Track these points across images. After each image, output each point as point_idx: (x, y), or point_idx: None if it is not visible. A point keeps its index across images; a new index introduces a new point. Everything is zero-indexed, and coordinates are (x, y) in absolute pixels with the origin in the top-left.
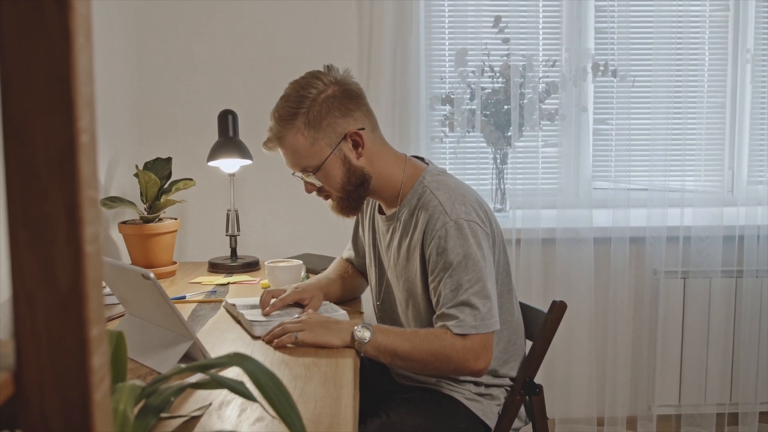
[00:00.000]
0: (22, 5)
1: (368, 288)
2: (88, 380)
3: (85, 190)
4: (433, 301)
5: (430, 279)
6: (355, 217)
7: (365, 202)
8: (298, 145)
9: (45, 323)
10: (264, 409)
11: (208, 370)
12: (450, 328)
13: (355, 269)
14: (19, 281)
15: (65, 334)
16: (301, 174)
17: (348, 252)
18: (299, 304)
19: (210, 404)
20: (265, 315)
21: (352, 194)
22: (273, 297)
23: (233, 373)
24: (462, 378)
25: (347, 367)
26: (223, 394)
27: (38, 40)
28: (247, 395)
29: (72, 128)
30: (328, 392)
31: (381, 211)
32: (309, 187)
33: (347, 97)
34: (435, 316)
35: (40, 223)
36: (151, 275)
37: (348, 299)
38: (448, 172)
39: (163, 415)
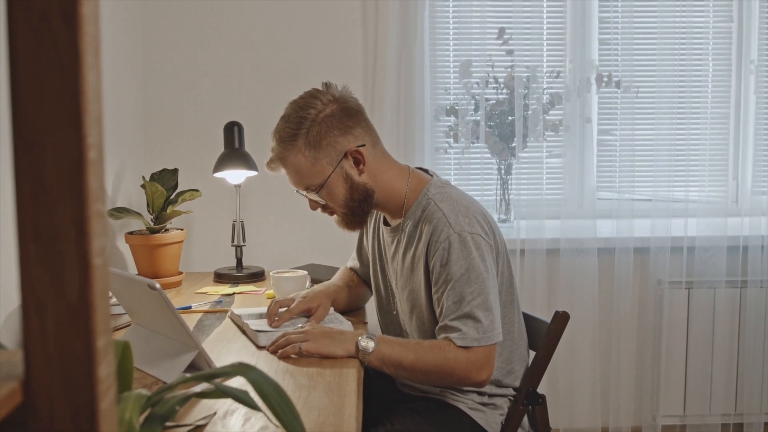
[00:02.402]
0: (34, 26)
1: (372, 298)
2: (96, 389)
3: (93, 204)
4: (437, 312)
5: (433, 290)
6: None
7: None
8: (299, 165)
9: (54, 333)
10: (268, 418)
11: (212, 380)
12: (453, 340)
13: (360, 278)
14: (28, 292)
15: (73, 343)
16: (305, 192)
17: (352, 262)
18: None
19: (215, 413)
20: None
21: (355, 210)
22: (281, 306)
23: (238, 382)
24: (466, 388)
25: (351, 377)
26: (228, 403)
27: (49, 60)
28: (252, 404)
29: (81, 144)
30: (332, 402)
31: (386, 222)
32: (313, 205)
33: (346, 114)
34: (437, 327)
35: (50, 235)
36: (157, 286)
37: (353, 308)
38: (452, 183)
39: (168, 424)
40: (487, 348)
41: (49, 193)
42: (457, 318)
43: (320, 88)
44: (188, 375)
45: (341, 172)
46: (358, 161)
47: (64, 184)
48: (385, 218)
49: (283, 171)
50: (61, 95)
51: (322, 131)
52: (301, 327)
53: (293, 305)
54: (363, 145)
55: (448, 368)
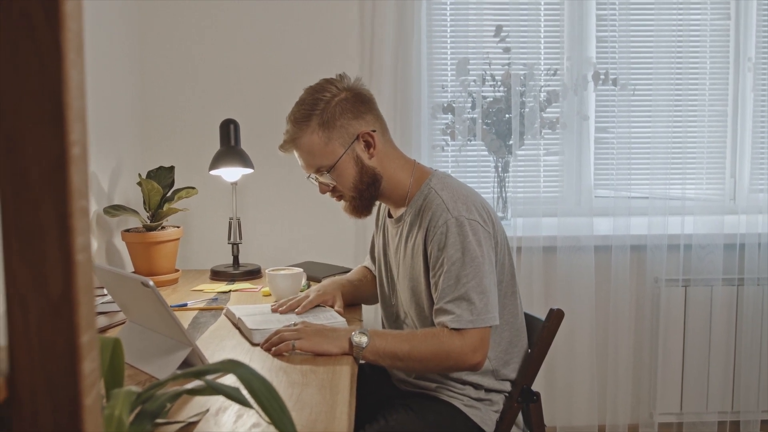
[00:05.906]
0: (15, 23)
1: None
2: (79, 385)
3: (76, 200)
4: (434, 296)
5: (431, 275)
6: (365, 219)
7: (377, 212)
8: (312, 145)
9: (37, 329)
10: (259, 414)
11: (202, 376)
12: (447, 323)
13: (374, 276)
14: (12, 288)
15: (57, 339)
16: (316, 175)
17: (367, 261)
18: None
19: (207, 410)
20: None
21: (363, 193)
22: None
23: (231, 379)
24: (464, 379)
25: (344, 374)
26: (221, 400)
27: (31, 57)
28: (242, 401)
29: (63, 141)
30: (324, 399)
31: (389, 216)
32: (323, 188)
33: (359, 101)
34: (433, 309)
35: (33, 232)
36: (151, 283)
37: (364, 303)
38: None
39: (159, 420)
40: (482, 330)
41: (31, 190)
42: (451, 300)
43: (334, 77)
44: (179, 372)
45: (352, 154)
46: (369, 145)
47: (46, 180)
48: (389, 212)
49: (295, 154)
50: (43, 92)
51: (336, 113)
52: (294, 325)
53: (312, 296)
54: (374, 131)
55: (444, 353)
